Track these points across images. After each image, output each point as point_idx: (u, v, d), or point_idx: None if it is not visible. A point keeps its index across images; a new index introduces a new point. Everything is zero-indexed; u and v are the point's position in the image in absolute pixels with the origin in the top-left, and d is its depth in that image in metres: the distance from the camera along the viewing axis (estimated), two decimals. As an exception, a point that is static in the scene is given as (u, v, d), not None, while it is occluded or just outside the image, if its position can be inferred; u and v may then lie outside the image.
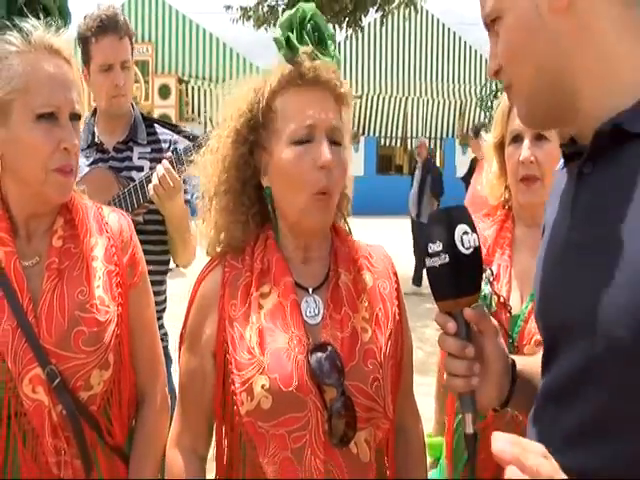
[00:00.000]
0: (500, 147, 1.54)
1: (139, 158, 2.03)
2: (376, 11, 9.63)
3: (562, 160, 0.93)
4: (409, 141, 18.44)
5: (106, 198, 1.87)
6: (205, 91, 16.28)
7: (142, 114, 2.13)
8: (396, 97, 17.52)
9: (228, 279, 1.15)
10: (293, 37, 1.11)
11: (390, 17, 11.26)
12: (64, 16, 1.22)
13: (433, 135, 18.39)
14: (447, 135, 18.26)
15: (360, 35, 11.27)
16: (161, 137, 2.08)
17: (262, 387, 1.06)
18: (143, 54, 15.15)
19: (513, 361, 0.97)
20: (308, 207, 1.11)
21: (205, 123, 17.40)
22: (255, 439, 1.08)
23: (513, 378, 0.95)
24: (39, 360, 1.11)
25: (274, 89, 1.13)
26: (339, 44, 15.52)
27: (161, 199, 1.84)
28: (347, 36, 12.49)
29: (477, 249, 0.89)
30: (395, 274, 1.26)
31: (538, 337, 1.31)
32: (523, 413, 1.06)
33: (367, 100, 17.42)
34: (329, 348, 1.09)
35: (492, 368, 0.92)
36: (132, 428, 1.29)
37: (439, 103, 17.84)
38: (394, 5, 9.13)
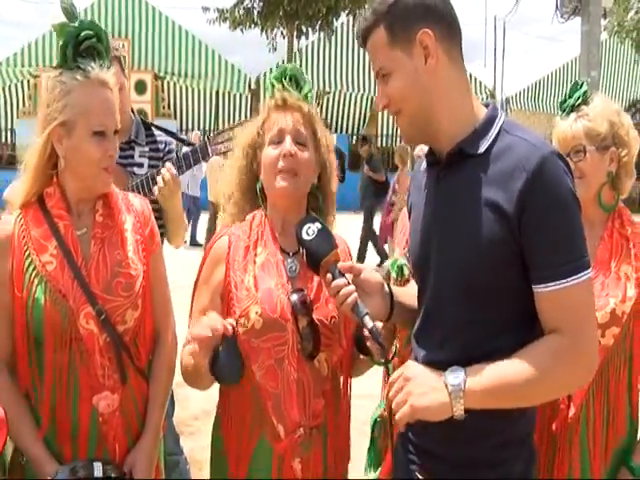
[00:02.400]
0: None
1: (139, 156, 2.49)
2: (347, 15, 10.09)
3: (424, 164, 1.45)
4: (380, 139, 18.92)
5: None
6: (181, 87, 16.49)
7: (142, 119, 2.59)
8: (367, 96, 17.94)
9: (232, 243, 1.64)
10: (276, 83, 1.67)
11: (360, 18, 11.71)
12: (109, 54, 1.65)
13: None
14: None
15: (332, 37, 11.70)
16: (158, 139, 2.56)
17: (256, 313, 1.53)
18: (120, 50, 15.22)
19: (391, 290, 1.46)
20: (275, 180, 1.61)
21: (180, 118, 17.75)
22: (249, 351, 1.54)
23: (392, 301, 1.44)
24: (90, 301, 1.56)
25: (264, 117, 1.67)
26: (312, 44, 15.91)
27: (165, 197, 2.30)
28: (319, 38, 12.91)
29: (320, 230, 1.45)
30: (350, 254, 1.76)
31: None
32: (403, 326, 1.56)
33: (339, 99, 17.83)
34: (303, 291, 1.58)
35: (373, 291, 1.41)
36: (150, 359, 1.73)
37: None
38: (364, 10, 9.60)
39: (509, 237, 1.21)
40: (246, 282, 1.57)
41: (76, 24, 1.56)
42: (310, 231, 1.45)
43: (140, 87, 15.56)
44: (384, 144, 18.63)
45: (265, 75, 17.04)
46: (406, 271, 1.95)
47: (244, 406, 1.58)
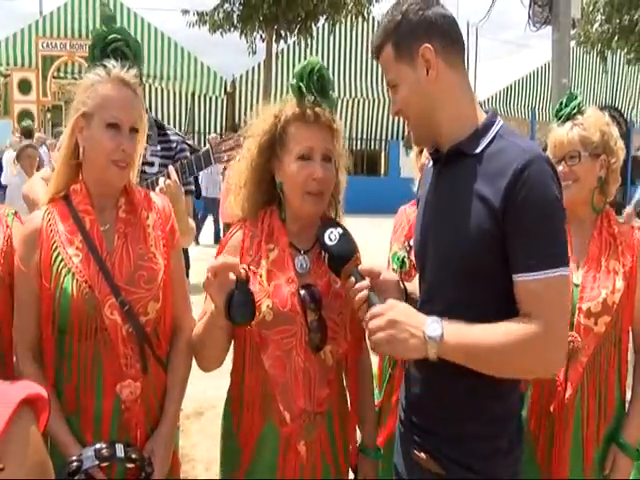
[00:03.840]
0: (420, 155, 2.23)
1: (151, 155, 2.55)
2: (325, 20, 10.24)
3: (430, 161, 1.59)
4: (354, 142, 19.10)
5: None
6: (156, 89, 16.42)
7: (155, 119, 2.65)
8: (343, 99, 18.10)
9: (246, 237, 1.72)
10: (303, 86, 1.68)
11: (338, 24, 11.82)
12: (138, 59, 1.74)
13: (378, 137, 19.12)
14: (391, 137, 19.01)
15: (310, 41, 11.81)
16: (172, 138, 2.62)
17: (267, 306, 1.61)
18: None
19: (405, 286, 1.59)
20: (304, 201, 1.68)
21: (154, 120, 17.48)
22: (259, 342, 1.63)
23: (406, 297, 1.57)
24: (114, 293, 1.63)
25: (288, 119, 1.69)
26: (288, 47, 16.02)
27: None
28: (297, 41, 13.06)
29: (342, 235, 1.54)
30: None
31: None
32: None
33: (315, 101, 17.90)
34: (312, 287, 1.66)
35: (390, 289, 1.54)
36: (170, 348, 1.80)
37: (384, 105, 18.55)
38: (342, 15, 9.76)
39: (495, 229, 1.34)
40: (258, 275, 1.65)
41: (105, 28, 1.64)
42: (333, 236, 1.54)
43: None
44: (359, 147, 18.83)
45: (241, 77, 17.14)
46: (407, 263, 2.06)
47: (253, 391, 1.68)
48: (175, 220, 1.83)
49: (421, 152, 2.26)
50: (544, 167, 1.34)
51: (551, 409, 1.81)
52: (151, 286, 1.68)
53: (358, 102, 18.48)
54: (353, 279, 1.49)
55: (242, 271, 1.50)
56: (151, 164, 2.53)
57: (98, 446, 1.59)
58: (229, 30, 9.69)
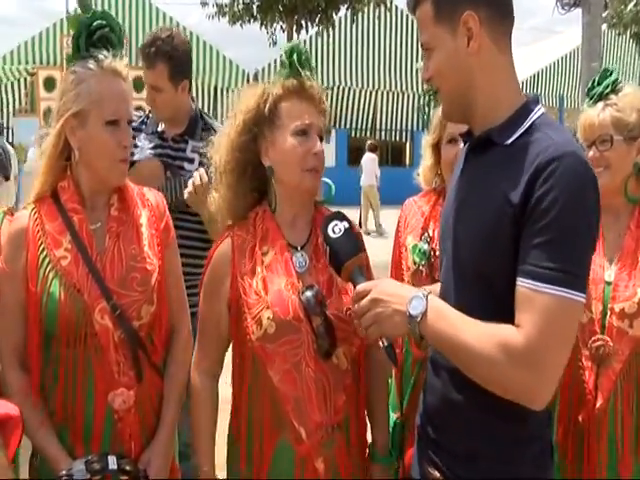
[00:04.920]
0: (436, 147, 2.03)
1: (192, 151, 2.42)
2: (347, 9, 10.04)
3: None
4: (379, 133, 18.92)
5: (151, 186, 2.27)
6: (178, 83, 16.42)
7: (200, 112, 2.51)
8: (366, 90, 17.92)
9: (237, 245, 1.58)
10: (296, 61, 1.57)
11: (360, 14, 11.64)
12: (122, 46, 1.62)
13: (403, 127, 18.90)
14: (416, 128, 18.77)
15: (331, 31, 11.64)
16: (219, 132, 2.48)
17: (268, 318, 1.48)
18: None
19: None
20: (304, 178, 1.56)
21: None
22: (264, 357, 1.50)
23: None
24: (105, 296, 1.52)
25: (281, 95, 1.56)
26: (310, 38, 15.87)
27: (194, 203, 2.23)
28: (318, 31, 12.86)
29: (347, 230, 1.41)
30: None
31: None
32: None
33: (338, 93, 17.78)
34: (314, 288, 1.51)
35: None
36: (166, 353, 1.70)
37: (408, 96, 18.33)
38: (363, 3, 9.56)
39: (511, 227, 1.18)
40: (255, 286, 1.52)
41: (89, 15, 1.53)
42: (337, 229, 1.41)
43: (137, 84, 15.33)
44: (384, 138, 18.64)
45: (264, 70, 17.05)
46: (430, 254, 1.93)
47: (261, 409, 1.54)
48: (170, 217, 1.72)
49: (438, 144, 2.06)
50: (576, 167, 1.14)
51: (580, 419, 1.65)
52: (145, 288, 1.57)
53: (382, 94, 18.28)
54: (351, 283, 1.37)
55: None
56: (191, 160, 2.39)
57: (89, 458, 1.49)
58: (249, 21, 9.57)
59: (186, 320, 1.76)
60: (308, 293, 1.50)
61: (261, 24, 9.14)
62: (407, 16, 18.26)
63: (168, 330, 1.69)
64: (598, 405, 1.63)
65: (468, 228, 1.27)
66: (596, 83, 1.78)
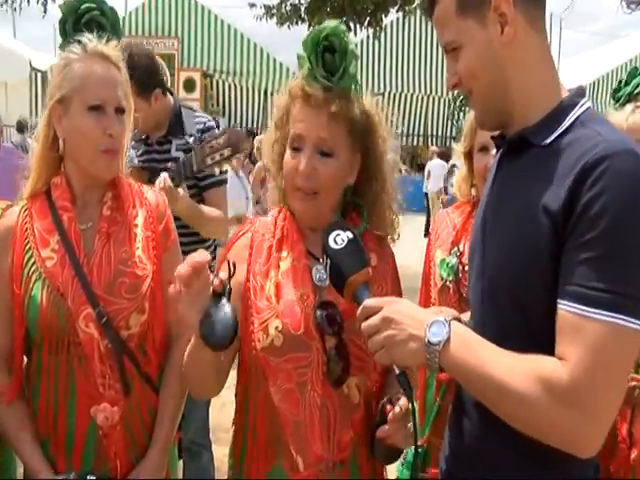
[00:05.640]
0: (469, 155, 1.88)
1: (176, 150, 2.37)
2: (397, 11, 9.85)
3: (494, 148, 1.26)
4: (431, 139, 18.58)
5: None
6: (229, 85, 16.57)
7: (182, 107, 2.45)
8: (418, 95, 17.63)
9: (255, 242, 1.44)
10: (313, 61, 1.36)
11: (411, 16, 11.45)
12: (116, 31, 1.52)
13: (439, 133, 18.51)
14: (452, 133, 18.32)
15: (382, 34, 11.45)
16: (197, 126, 2.40)
17: (276, 328, 1.32)
18: (169, 48, 15.54)
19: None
20: (292, 198, 1.41)
21: (229, 116, 17.81)
22: (267, 371, 1.34)
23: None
24: (90, 302, 1.41)
25: (293, 95, 1.40)
26: (361, 42, 15.68)
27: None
28: (368, 35, 12.73)
29: (351, 241, 1.23)
30: (392, 257, 1.52)
31: None
32: None
33: (389, 98, 17.59)
34: (332, 305, 1.34)
35: None
36: (164, 364, 1.56)
37: (445, 101, 17.89)
38: (414, 5, 9.34)
39: (550, 240, 1.00)
40: (267, 290, 1.37)
41: None
42: (339, 239, 1.24)
43: (189, 85, 15.68)
44: (419, 144, 18.32)
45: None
46: (459, 270, 1.77)
47: (260, 426, 1.39)
48: (171, 219, 1.60)
49: (470, 152, 1.90)
50: (631, 167, 0.96)
51: (611, 469, 1.43)
52: (134, 295, 1.45)
53: (432, 99, 17.95)
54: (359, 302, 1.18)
55: (221, 275, 1.21)
56: (177, 160, 2.30)
57: (66, 477, 1.39)
58: (296, 23, 9.50)
59: (187, 330, 1.63)
60: (323, 309, 1.34)
61: (309, 26, 9.05)
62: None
63: (165, 340, 1.56)
64: (633, 456, 1.42)
65: (499, 243, 1.10)
66: (624, 83, 1.56)
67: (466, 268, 1.78)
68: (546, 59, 1.14)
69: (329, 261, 1.24)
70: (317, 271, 1.40)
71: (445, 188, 8.75)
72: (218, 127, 2.50)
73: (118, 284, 1.44)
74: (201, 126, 2.42)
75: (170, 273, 1.54)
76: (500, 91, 1.12)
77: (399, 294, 1.49)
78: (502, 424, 1.03)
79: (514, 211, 1.08)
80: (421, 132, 18.57)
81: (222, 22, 16.21)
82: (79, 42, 1.46)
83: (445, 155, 13.62)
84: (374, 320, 1.10)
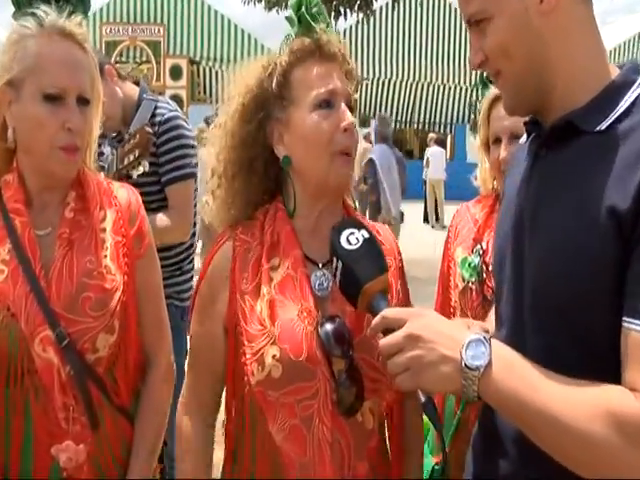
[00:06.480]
0: (487, 146, 1.73)
1: (108, 145, 2.20)
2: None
3: (525, 136, 1.06)
4: (419, 125, 18.39)
5: None
6: (216, 72, 16.25)
7: (145, 98, 2.23)
8: (407, 81, 17.39)
9: (239, 253, 1.20)
10: (307, 15, 1.20)
11: (401, 1, 11.25)
12: (83, 5, 1.29)
13: (443, 120, 18.33)
14: (457, 120, 18.16)
15: (371, 19, 11.22)
16: (156, 118, 2.18)
17: (273, 357, 1.10)
18: (155, 35, 15.21)
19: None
20: (333, 165, 1.17)
21: (216, 103, 17.37)
22: (264, 408, 1.13)
23: None
24: (49, 322, 1.19)
25: (291, 61, 1.19)
26: (350, 28, 15.40)
27: None
28: (358, 20, 12.51)
29: (367, 240, 1.02)
30: (399, 253, 1.31)
31: None
32: None
33: (378, 84, 17.33)
34: (337, 320, 1.13)
35: None
36: (139, 390, 1.36)
37: (449, 88, 17.74)
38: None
39: (614, 246, 0.84)
40: (258, 311, 1.14)
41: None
42: (353, 239, 1.02)
43: (175, 72, 15.38)
44: (425, 130, 18.12)
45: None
46: (482, 270, 1.63)
47: (259, 473, 1.18)
48: (145, 220, 1.37)
49: (488, 143, 1.73)
50: None
51: None
52: (101, 313, 1.23)
53: (422, 85, 17.73)
54: (375, 313, 0.98)
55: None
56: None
57: None
58: (285, 7, 9.23)
59: (166, 348, 1.42)
60: (329, 326, 1.12)
61: (298, 10, 8.81)
62: (450, 5, 17.70)
63: (138, 363, 1.35)
64: None
65: (546, 251, 0.91)
66: None
67: (489, 268, 1.61)
68: (593, 31, 0.95)
69: (340, 264, 1.01)
70: (317, 278, 1.19)
71: None
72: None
73: (82, 300, 1.22)
74: (159, 118, 2.16)
75: (144, 284, 1.34)
76: (537, 70, 0.94)
77: (408, 298, 1.30)
78: (550, 465, 0.85)
79: (567, 213, 0.89)
80: (409, 119, 18.37)
81: (209, 8, 15.90)
82: (34, 15, 1.22)
83: (443, 142, 13.51)
84: (396, 337, 0.90)
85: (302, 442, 1.11)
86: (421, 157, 17.40)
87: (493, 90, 1.72)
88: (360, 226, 1.05)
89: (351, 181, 1.24)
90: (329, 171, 1.17)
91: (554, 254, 0.89)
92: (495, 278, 1.11)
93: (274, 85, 1.19)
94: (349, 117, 1.17)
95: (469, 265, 1.66)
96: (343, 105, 1.18)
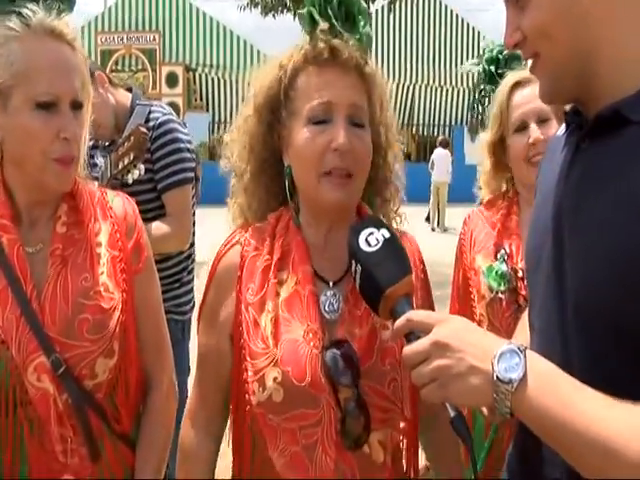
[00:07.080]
0: (499, 144, 1.65)
1: (100, 156, 2.11)
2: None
3: (564, 126, 0.97)
4: (417, 128, 18.32)
5: None
6: (212, 79, 16.23)
7: (138, 104, 2.14)
8: (404, 84, 17.35)
9: (246, 260, 1.13)
10: (315, 12, 1.10)
11: (398, 4, 11.20)
12: (68, 1, 1.20)
13: (441, 122, 18.28)
14: (455, 122, 18.10)
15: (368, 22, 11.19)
16: (150, 123, 2.09)
17: (274, 380, 1.03)
18: (150, 43, 15.17)
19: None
20: (321, 188, 1.08)
21: (212, 111, 17.41)
22: (265, 431, 1.06)
23: None
24: (43, 348, 1.10)
25: (297, 66, 1.11)
26: (347, 31, 15.37)
27: None
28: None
29: (387, 241, 0.93)
30: (422, 262, 1.22)
31: None
32: None
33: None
34: (345, 345, 1.05)
35: None
36: (140, 414, 1.27)
37: (447, 90, 17.70)
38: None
39: None
40: (262, 327, 1.07)
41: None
42: (372, 239, 0.93)
43: (171, 80, 15.36)
44: (420, 133, 18.06)
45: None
46: (511, 276, 1.54)
47: None
48: (143, 231, 1.28)
49: (501, 142, 1.65)
50: None
51: None
52: (99, 335, 1.14)
53: (419, 88, 17.69)
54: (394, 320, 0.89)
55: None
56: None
57: None
58: (281, 12, 9.18)
59: (167, 367, 1.33)
60: (335, 351, 1.04)
61: (294, 15, 8.74)
62: (446, 7, 17.66)
63: (140, 386, 1.25)
64: None
65: (589, 246, 0.82)
66: None
67: (519, 274, 1.52)
68: (637, 8, 0.84)
69: (359, 268, 0.92)
70: (327, 298, 1.10)
71: None
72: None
73: (79, 322, 1.12)
74: (153, 122, 2.06)
75: (143, 300, 1.25)
76: (581, 54, 0.84)
77: (431, 303, 1.22)
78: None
79: (614, 207, 0.80)
80: (406, 121, 18.33)
81: (204, 14, 15.89)
82: (19, 14, 1.13)
83: (448, 144, 13.44)
84: (423, 344, 0.82)
85: (304, 471, 1.04)
86: (419, 160, 17.34)
87: (510, 77, 1.63)
88: (380, 225, 0.96)
89: (352, 202, 1.14)
90: (317, 193, 1.10)
91: (601, 251, 0.80)
92: (529, 280, 1.01)
93: (282, 89, 1.12)
94: (342, 136, 1.06)
95: (496, 273, 1.54)
96: (341, 120, 1.07)
